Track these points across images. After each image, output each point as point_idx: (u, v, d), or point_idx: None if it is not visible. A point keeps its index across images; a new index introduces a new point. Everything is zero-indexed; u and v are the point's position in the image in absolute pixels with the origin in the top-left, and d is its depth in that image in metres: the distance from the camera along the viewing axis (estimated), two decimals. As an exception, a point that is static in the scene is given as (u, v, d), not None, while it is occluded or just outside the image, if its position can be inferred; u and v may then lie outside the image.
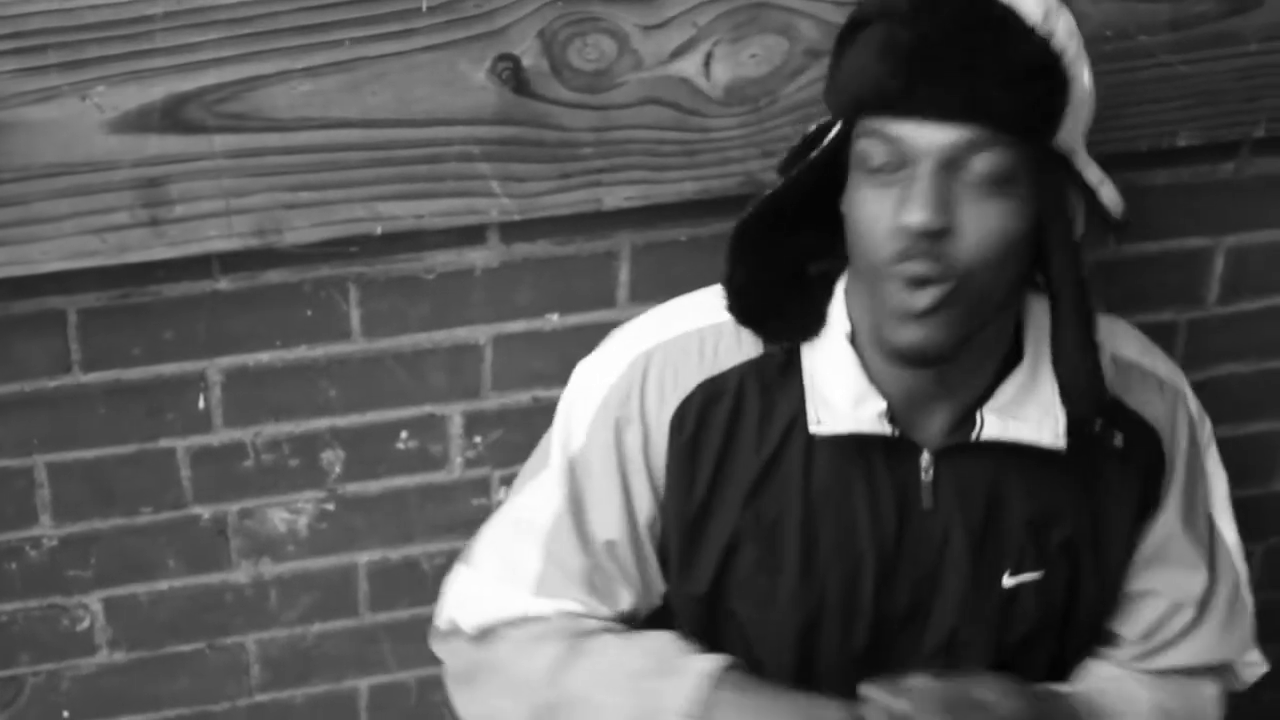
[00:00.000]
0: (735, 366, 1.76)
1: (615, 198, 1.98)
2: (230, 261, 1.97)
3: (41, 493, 2.05)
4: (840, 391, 1.72)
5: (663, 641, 1.79)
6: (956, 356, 1.63)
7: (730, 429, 1.76)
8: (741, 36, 1.93)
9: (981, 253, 1.56)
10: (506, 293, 2.06)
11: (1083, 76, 1.63)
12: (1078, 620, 1.85)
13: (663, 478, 1.79)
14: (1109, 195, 1.67)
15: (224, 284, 1.98)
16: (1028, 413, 1.72)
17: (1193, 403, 1.89)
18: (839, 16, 1.90)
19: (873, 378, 1.72)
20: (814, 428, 1.72)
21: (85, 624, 2.15)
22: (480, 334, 2.08)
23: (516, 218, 1.97)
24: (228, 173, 1.86)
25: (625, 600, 1.83)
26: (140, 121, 1.81)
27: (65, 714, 2.19)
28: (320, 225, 1.92)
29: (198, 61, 1.80)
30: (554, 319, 2.09)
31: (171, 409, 2.04)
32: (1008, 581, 1.79)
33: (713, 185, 2.00)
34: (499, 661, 1.82)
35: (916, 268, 1.55)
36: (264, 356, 2.04)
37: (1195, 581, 1.88)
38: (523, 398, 2.13)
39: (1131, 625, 1.89)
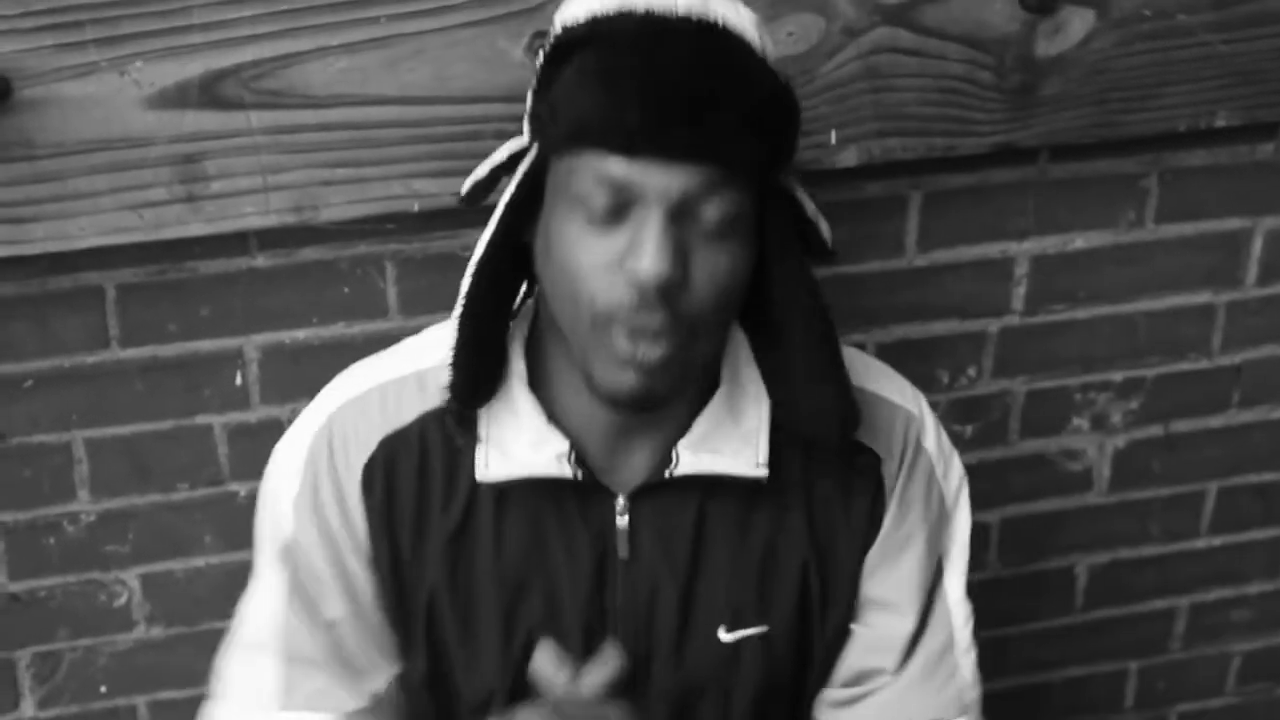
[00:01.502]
0: (417, 418, 1.64)
1: (651, 176, 1.98)
2: (267, 238, 1.97)
3: (80, 468, 2.06)
4: (519, 436, 1.60)
5: None
6: (674, 400, 1.54)
7: (420, 484, 1.64)
8: (778, 15, 1.92)
9: (713, 300, 1.46)
10: (542, 270, 2.06)
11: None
12: (815, 673, 1.73)
13: (367, 545, 1.65)
14: (824, 227, 1.57)
15: (261, 261, 1.99)
16: (725, 444, 1.61)
17: (931, 436, 1.73)
18: (877, -6, 1.92)
19: (557, 419, 1.61)
20: (480, 475, 1.60)
21: (123, 599, 2.15)
22: (516, 312, 2.08)
23: (553, 195, 1.97)
24: (265, 149, 1.87)
25: (376, 679, 1.69)
26: (178, 98, 1.82)
27: (103, 689, 2.20)
28: (357, 202, 1.93)
29: (235, 38, 1.81)
30: (589, 297, 2.09)
31: (208, 385, 2.05)
32: (725, 636, 1.67)
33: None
34: None
35: (647, 320, 1.43)
36: (301, 334, 2.04)
37: (897, 624, 1.72)
38: (558, 376, 2.13)
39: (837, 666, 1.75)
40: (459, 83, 1.88)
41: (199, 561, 2.15)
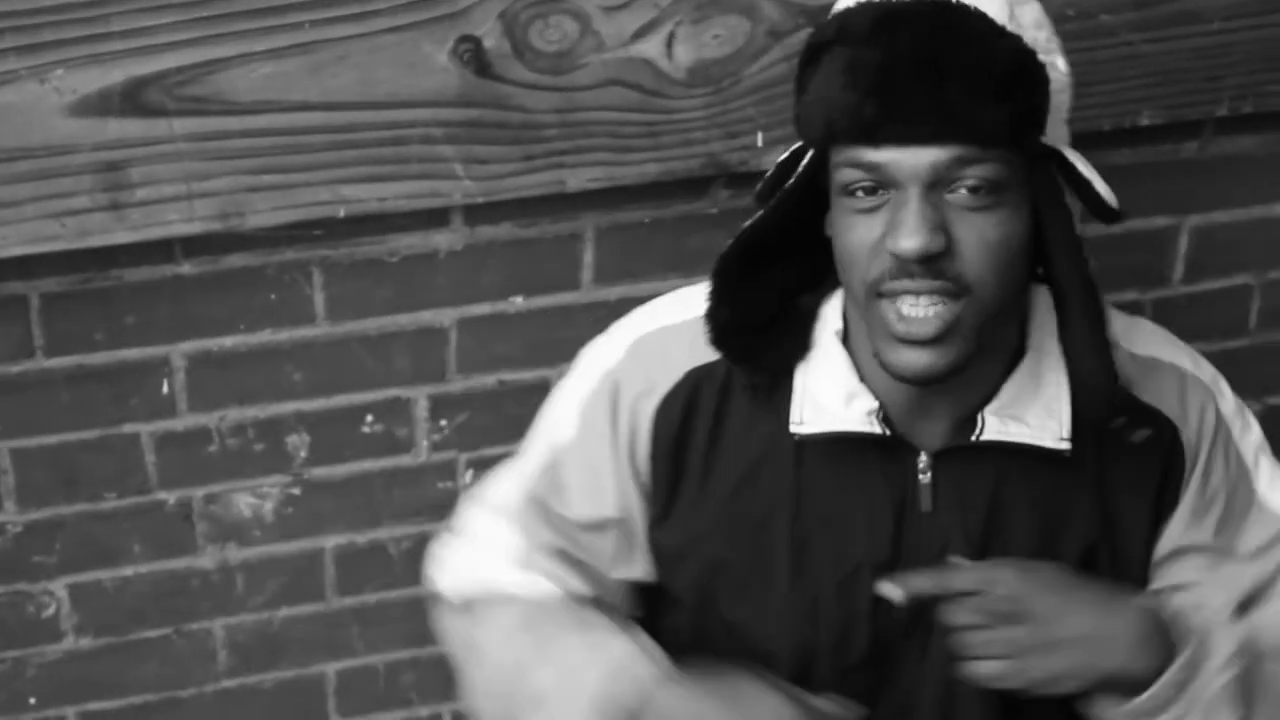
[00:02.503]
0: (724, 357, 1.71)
1: (578, 179, 1.98)
2: (192, 245, 1.96)
3: (5, 479, 2.05)
4: (830, 390, 1.66)
5: (622, 650, 1.71)
6: (963, 370, 1.56)
7: (717, 421, 1.71)
8: (704, 17, 1.92)
9: (984, 266, 1.50)
10: (471, 275, 2.06)
11: (1058, 64, 1.57)
12: None
13: (648, 468, 1.73)
14: (1101, 186, 1.59)
15: (187, 268, 1.98)
16: (1030, 414, 1.65)
17: (1228, 401, 1.77)
18: (801, -3, 1.92)
19: (865, 378, 1.65)
20: (795, 428, 1.66)
21: (51, 610, 2.14)
22: (445, 317, 2.08)
23: (480, 200, 1.97)
24: (189, 156, 1.85)
25: (609, 578, 1.79)
26: (100, 105, 1.81)
27: (31, 700, 2.18)
28: (283, 208, 1.92)
29: (157, 45, 1.80)
30: (519, 301, 2.09)
31: (135, 394, 2.04)
32: None
33: (676, 166, 1.99)
34: (481, 649, 1.79)
35: (915, 285, 1.49)
36: (228, 341, 2.03)
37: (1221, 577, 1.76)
38: (488, 380, 2.13)
39: None
40: (383, 88, 1.87)
41: (127, 570, 2.14)
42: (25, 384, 2.00)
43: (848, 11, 1.53)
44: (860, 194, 1.51)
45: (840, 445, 1.67)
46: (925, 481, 1.68)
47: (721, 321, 1.66)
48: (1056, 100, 1.56)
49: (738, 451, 1.71)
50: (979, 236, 1.49)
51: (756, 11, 1.94)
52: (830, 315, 1.69)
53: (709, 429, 1.71)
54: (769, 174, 1.66)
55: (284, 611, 2.23)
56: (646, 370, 1.72)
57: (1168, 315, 2.32)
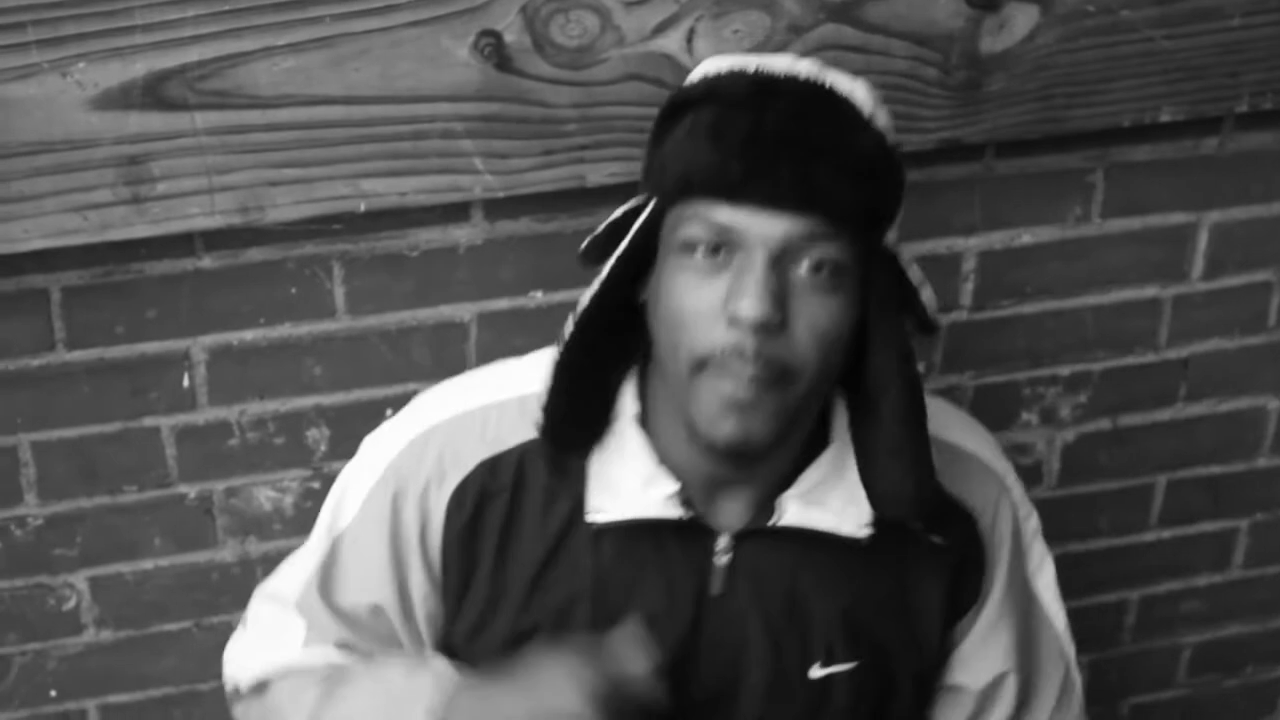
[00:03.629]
0: (517, 445, 1.67)
1: (599, 174, 1.98)
2: (213, 239, 1.97)
3: (26, 471, 2.05)
4: (627, 475, 1.64)
5: (404, 664, 1.67)
6: (773, 450, 1.56)
7: (511, 511, 1.68)
8: (724, 12, 1.92)
9: (812, 348, 1.49)
10: (491, 270, 2.06)
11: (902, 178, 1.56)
12: (896, 704, 1.76)
13: (439, 561, 1.70)
14: (928, 296, 1.59)
15: (207, 262, 1.98)
16: (831, 501, 1.64)
17: (1016, 490, 1.79)
18: (821, -9, 1.92)
19: (665, 461, 1.63)
20: (592, 517, 1.64)
21: (71, 603, 2.15)
22: (464, 311, 2.08)
23: (500, 195, 1.97)
24: (210, 150, 1.86)
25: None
26: (121, 99, 1.81)
27: (52, 693, 2.19)
28: (303, 203, 1.92)
29: (179, 38, 1.80)
30: (538, 296, 2.09)
31: (155, 387, 2.04)
32: (816, 672, 1.70)
33: (696, 161, 2.00)
34: (274, 710, 1.74)
35: (744, 366, 1.47)
36: (248, 335, 2.04)
37: (1010, 681, 1.79)
38: (507, 375, 2.13)
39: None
40: (404, 82, 1.88)
41: (148, 564, 2.15)
42: (46, 377, 2.00)
43: (719, 76, 1.54)
44: (701, 253, 1.49)
45: (638, 530, 1.65)
46: (721, 564, 1.66)
47: (560, 414, 1.62)
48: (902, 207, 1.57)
49: (534, 539, 1.67)
50: (812, 320, 1.49)
51: (776, 6, 1.94)
52: (627, 397, 1.66)
53: (503, 517, 1.67)
54: (596, 234, 1.64)
55: (303, 605, 2.23)
56: (436, 461, 1.68)
57: (1187, 311, 2.33)
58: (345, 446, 2.10)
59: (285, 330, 2.04)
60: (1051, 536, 1.80)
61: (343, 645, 1.73)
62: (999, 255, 2.22)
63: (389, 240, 2.02)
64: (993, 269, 2.23)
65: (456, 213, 2.01)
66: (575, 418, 1.63)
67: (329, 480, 2.09)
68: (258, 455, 2.11)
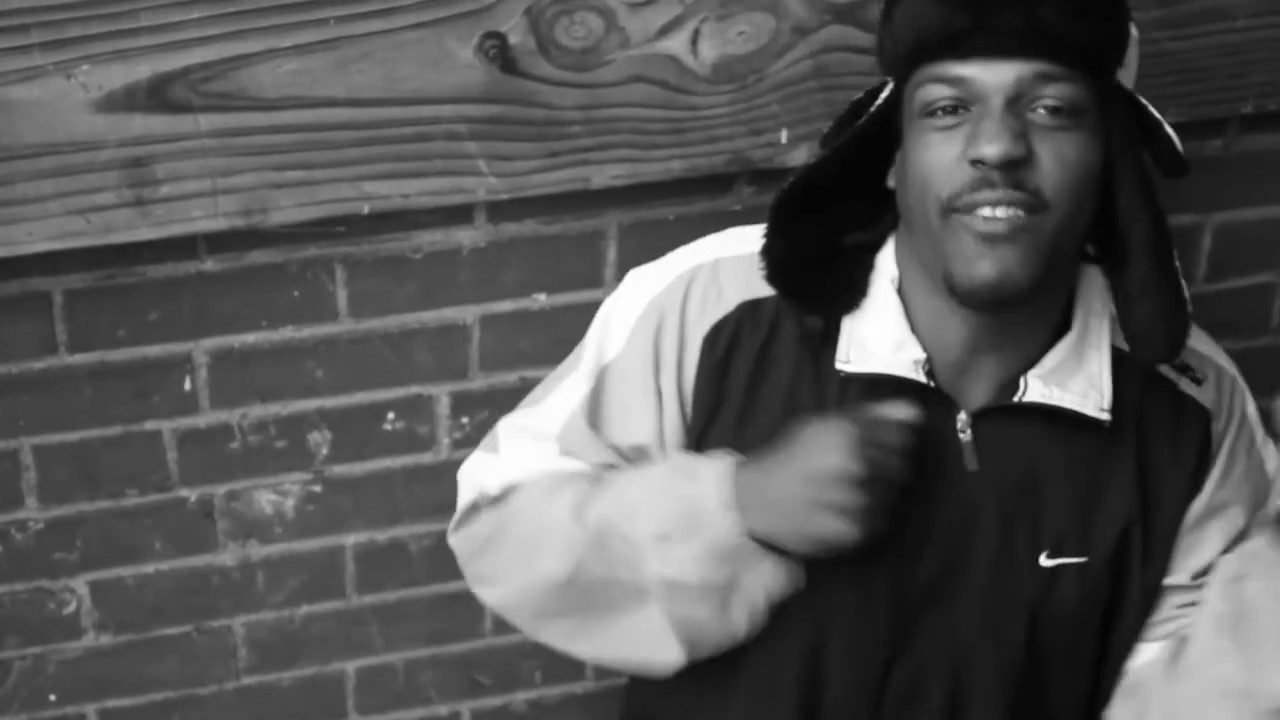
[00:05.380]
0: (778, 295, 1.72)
1: (603, 176, 1.98)
2: (216, 242, 1.96)
3: (27, 475, 2.04)
4: (879, 336, 1.68)
5: (681, 457, 1.73)
6: (1027, 298, 1.58)
7: (762, 356, 1.73)
8: (729, 14, 1.92)
9: (1061, 183, 1.54)
10: (494, 272, 2.05)
11: (1131, 27, 1.62)
12: (1125, 610, 1.76)
13: (691, 393, 1.75)
14: (1171, 131, 1.64)
15: (210, 265, 1.97)
16: (1073, 383, 1.67)
17: (1252, 405, 1.81)
18: (826, -7, 1.92)
19: (916, 329, 1.68)
20: (841, 365, 1.68)
21: (72, 607, 2.14)
22: (468, 314, 2.08)
23: (504, 197, 1.96)
24: (213, 152, 1.85)
25: None
26: (125, 101, 1.80)
27: (52, 697, 2.18)
28: (306, 205, 1.91)
29: (182, 40, 1.79)
30: (541, 299, 2.09)
31: (157, 391, 2.03)
32: (1045, 561, 1.72)
33: (700, 163, 1.99)
34: (519, 512, 1.78)
35: (994, 194, 1.53)
36: (250, 338, 2.03)
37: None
38: (510, 378, 2.12)
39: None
40: (408, 84, 1.87)
41: (148, 568, 2.14)
42: (48, 380, 1.99)
43: None
44: (941, 113, 1.56)
45: (883, 391, 1.67)
46: (966, 439, 1.69)
47: (777, 256, 1.69)
48: (1132, 48, 1.62)
49: (779, 387, 1.72)
50: (1058, 154, 1.54)
51: (782, 8, 1.93)
52: (885, 263, 1.71)
53: (753, 360, 1.73)
54: (839, 117, 1.71)
55: (304, 609, 2.22)
56: (699, 298, 1.74)
57: (1192, 313, 2.32)
58: (346, 450, 2.11)
59: (287, 333, 2.04)
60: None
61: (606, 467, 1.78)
62: (1002, 257, 2.21)
63: (392, 242, 2.01)
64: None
65: (460, 215, 2.01)
66: (812, 275, 1.70)
67: (330, 483, 2.10)
68: (259, 458, 2.10)
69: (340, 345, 2.06)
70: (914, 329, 1.68)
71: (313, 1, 1.81)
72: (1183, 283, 1.64)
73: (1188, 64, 2.09)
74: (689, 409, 1.75)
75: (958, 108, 1.55)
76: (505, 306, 2.08)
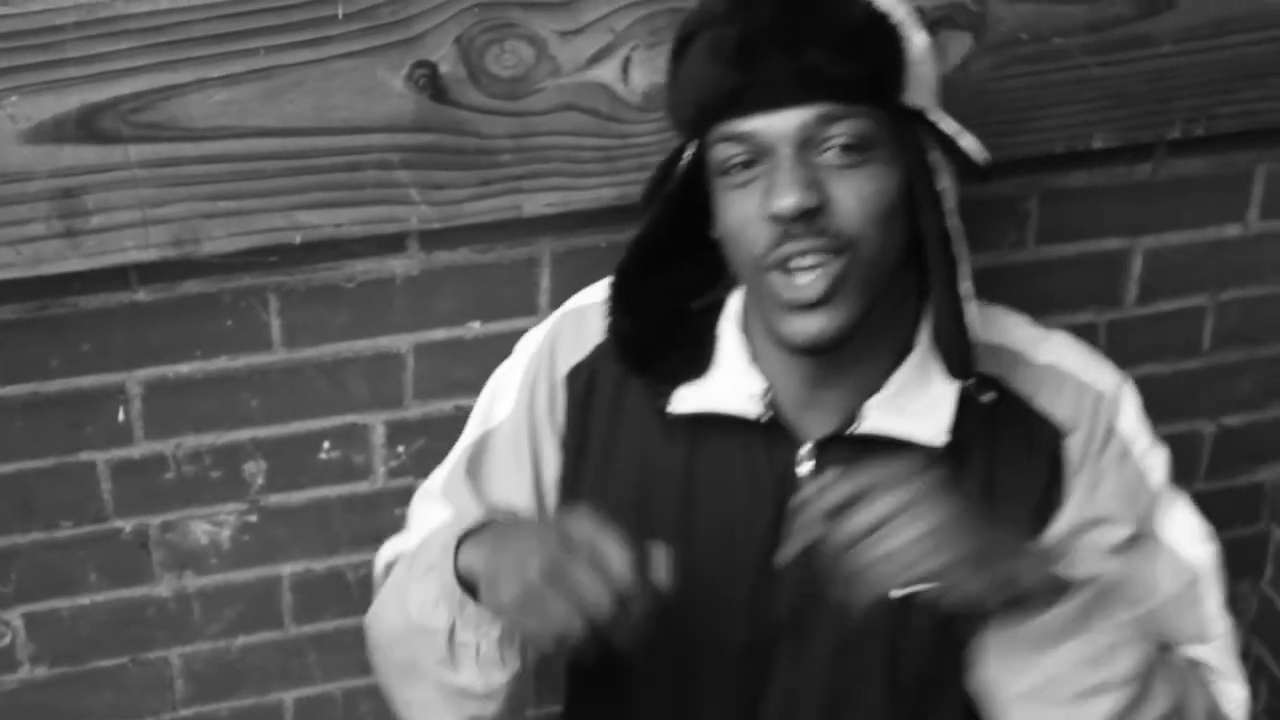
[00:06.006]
0: None
1: (535, 204, 1.98)
2: (148, 272, 1.95)
3: (-40, 508, 2.04)
4: (721, 372, 1.71)
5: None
6: (854, 339, 1.59)
7: (616, 397, 1.77)
8: (659, 42, 1.92)
9: (863, 219, 1.54)
10: (428, 301, 2.05)
11: (916, 36, 1.61)
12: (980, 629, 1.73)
13: (564, 432, 1.80)
14: (969, 143, 1.63)
15: (142, 295, 1.97)
16: (913, 407, 1.68)
17: (1129, 418, 1.77)
18: (756, 21, 1.92)
19: (757, 363, 1.71)
20: (671, 406, 1.72)
21: (6, 640, 2.13)
22: (402, 343, 2.08)
23: (436, 225, 1.96)
24: (144, 183, 1.85)
25: None
26: (54, 132, 1.80)
27: (-13, 731, 2.17)
28: (239, 235, 1.91)
29: (112, 71, 1.79)
30: (476, 327, 2.09)
31: (91, 421, 2.03)
32: (895, 592, 1.65)
33: (632, 191, 1.98)
34: (390, 586, 1.77)
35: (798, 246, 1.53)
36: (184, 368, 2.03)
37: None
38: (445, 406, 2.12)
39: None
40: (339, 114, 1.87)
41: (84, 599, 2.13)
42: (-20, 412, 1.99)
43: (708, 1, 1.60)
44: (736, 170, 1.57)
45: (728, 429, 1.70)
46: (803, 472, 1.69)
47: (625, 334, 1.71)
48: (920, 69, 1.61)
49: (633, 427, 1.75)
50: (855, 192, 1.54)
51: (712, 36, 1.94)
52: (731, 307, 1.75)
53: (610, 399, 1.77)
54: (652, 178, 1.71)
55: (241, 640, 2.22)
56: (564, 344, 1.80)
57: (1122, 336, 2.33)
58: (282, 479, 2.10)
59: (222, 363, 2.03)
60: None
61: None
62: (935, 282, 2.23)
63: (325, 272, 2.01)
64: (929, 296, 2.23)
65: (393, 244, 2.01)
66: (659, 346, 1.73)
67: (266, 513, 2.10)
68: (194, 489, 2.10)
69: (275, 375, 2.05)
70: (755, 362, 1.71)
71: (243, 31, 1.81)
72: (965, 307, 1.61)
73: (1115, 89, 2.10)
74: (564, 443, 1.80)
75: (751, 162, 1.56)
76: (439, 335, 2.08)
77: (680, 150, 1.66)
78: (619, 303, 1.72)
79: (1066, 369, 1.77)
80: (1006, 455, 1.73)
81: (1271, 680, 2.69)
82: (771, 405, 1.69)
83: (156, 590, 2.15)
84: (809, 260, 1.54)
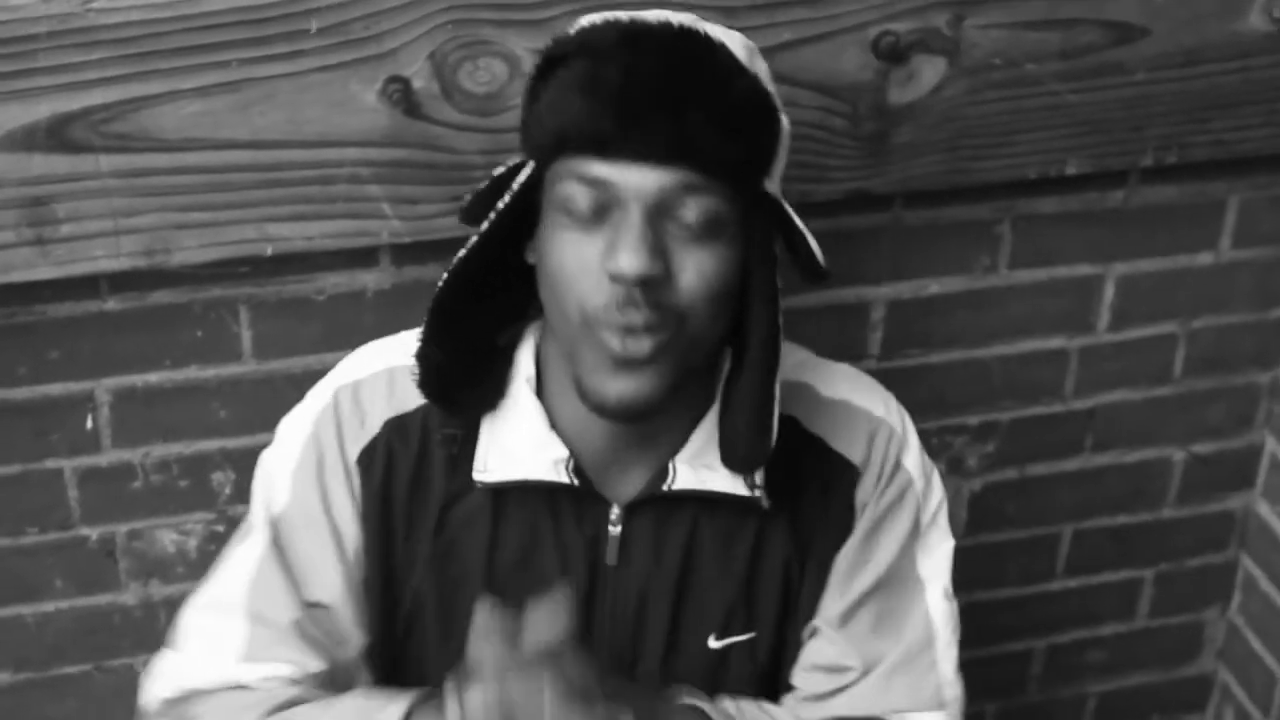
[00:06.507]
0: (420, 406, 1.67)
1: (506, 221, 1.98)
2: (118, 281, 1.96)
3: (-74, 513, 2.04)
4: (519, 438, 1.64)
5: (355, 703, 1.60)
6: (664, 409, 1.54)
7: (417, 474, 1.68)
8: (633, 61, 1.93)
9: (698, 298, 1.48)
10: (398, 315, 2.05)
11: (784, 120, 1.56)
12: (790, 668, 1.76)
13: (360, 522, 1.68)
14: (813, 242, 1.57)
15: (112, 304, 1.97)
16: (718, 463, 1.63)
17: (913, 454, 1.75)
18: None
19: (558, 428, 1.64)
20: (478, 475, 1.64)
21: (-29, 646, 2.13)
22: (372, 356, 2.08)
23: (407, 240, 1.97)
24: (115, 193, 1.85)
25: (347, 650, 1.69)
26: (25, 140, 1.80)
27: (-49, 737, 2.17)
28: (209, 246, 1.92)
29: (83, 81, 1.80)
30: (446, 341, 2.09)
31: (58, 429, 2.03)
32: (714, 644, 1.70)
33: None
34: None
35: (633, 317, 1.46)
36: (153, 377, 2.03)
37: (873, 645, 1.73)
38: (414, 420, 2.12)
39: (801, 663, 1.76)
40: (312, 127, 1.87)
41: (49, 606, 2.13)
42: (-53, 418, 1.99)
43: (591, 27, 1.51)
44: (580, 211, 1.47)
45: (534, 496, 1.65)
46: (615, 534, 1.67)
47: (433, 363, 1.62)
48: (782, 153, 1.57)
49: (436, 500, 1.67)
50: (698, 268, 1.48)
51: (685, 56, 1.94)
52: (523, 361, 1.67)
53: (409, 479, 1.67)
54: (478, 191, 1.63)
55: (207, 649, 2.21)
56: (346, 423, 1.68)
57: (1093, 362, 2.34)
58: (250, 490, 2.09)
59: (191, 373, 2.04)
60: (959, 585, 1.80)
61: (297, 631, 1.65)
62: (907, 305, 2.24)
63: (296, 284, 2.01)
64: (901, 319, 2.24)
65: (364, 257, 2.01)
66: (463, 378, 1.64)
67: (233, 523, 2.09)
68: (161, 498, 2.10)
69: (244, 386, 2.06)
70: (555, 426, 1.64)
71: (215, 44, 1.82)
72: (774, 408, 1.58)
73: (1088, 116, 2.11)
74: (362, 533, 1.68)
75: (599, 210, 1.47)
76: (410, 349, 2.08)
77: (518, 167, 1.58)
78: (434, 332, 1.61)
79: (857, 405, 1.74)
80: (807, 499, 1.71)
81: (1239, 708, 2.70)
82: (578, 471, 1.63)
83: (122, 598, 2.16)
84: (636, 324, 1.46)
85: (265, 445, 2.03)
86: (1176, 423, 2.46)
